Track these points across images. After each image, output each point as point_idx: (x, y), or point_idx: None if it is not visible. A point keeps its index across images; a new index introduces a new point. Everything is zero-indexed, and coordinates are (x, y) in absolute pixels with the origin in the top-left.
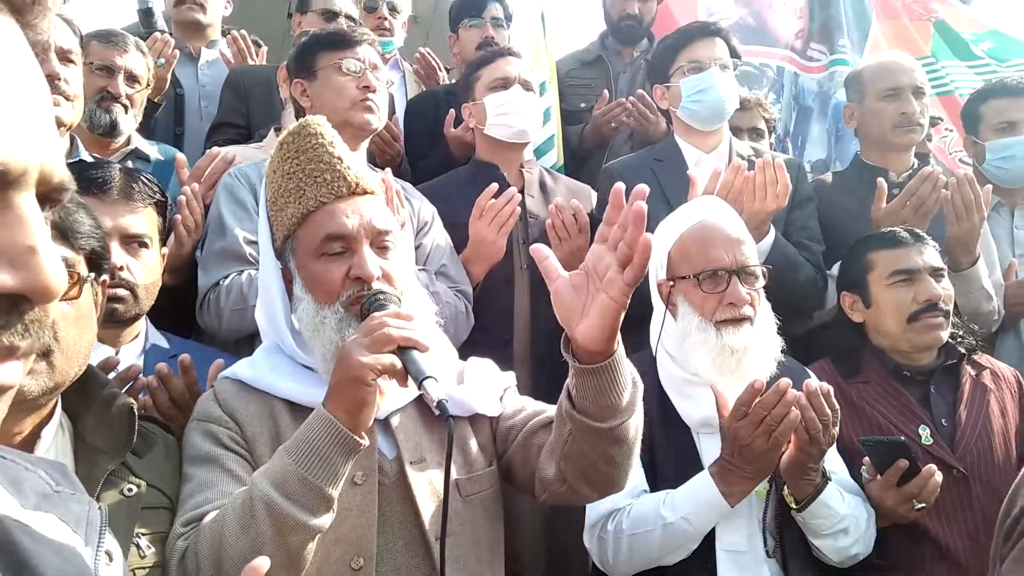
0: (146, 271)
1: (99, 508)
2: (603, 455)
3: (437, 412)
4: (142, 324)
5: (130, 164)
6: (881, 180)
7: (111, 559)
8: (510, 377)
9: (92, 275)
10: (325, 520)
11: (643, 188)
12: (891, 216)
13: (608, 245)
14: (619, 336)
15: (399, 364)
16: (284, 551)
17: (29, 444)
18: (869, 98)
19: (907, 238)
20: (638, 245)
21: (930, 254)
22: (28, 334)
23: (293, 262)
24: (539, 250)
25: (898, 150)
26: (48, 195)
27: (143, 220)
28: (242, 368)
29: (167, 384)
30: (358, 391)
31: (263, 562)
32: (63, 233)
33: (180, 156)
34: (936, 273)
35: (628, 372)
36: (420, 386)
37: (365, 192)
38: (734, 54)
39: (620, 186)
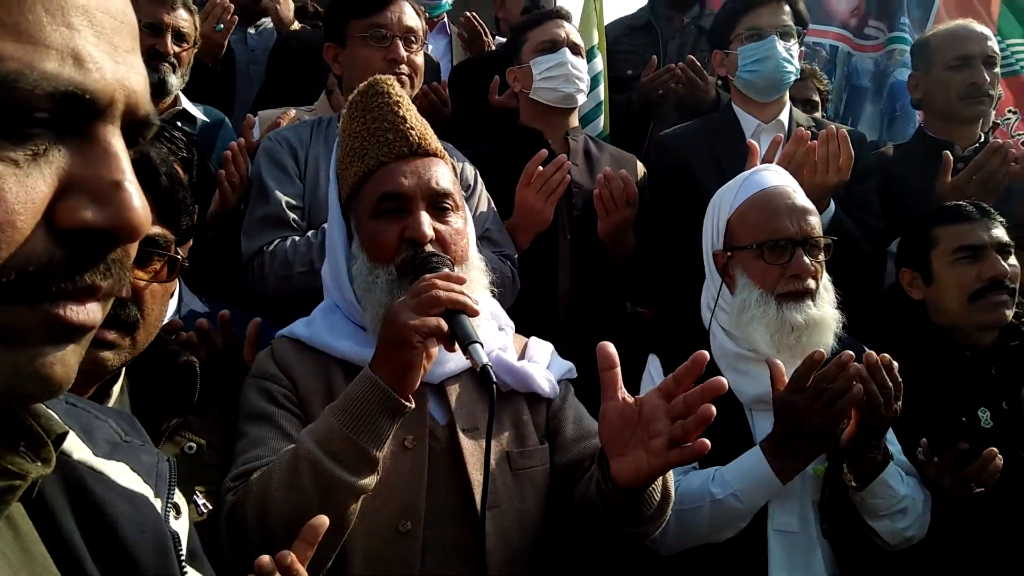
0: None
1: (168, 460)
2: (627, 540)
3: (481, 376)
4: (175, 283)
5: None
6: (947, 152)
7: (179, 513)
8: (570, 368)
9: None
10: (369, 481)
11: (720, 383)
12: (957, 190)
13: (667, 411)
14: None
15: (445, 327)
16: (328, 510)
17: (96, 401)
18: (936, 67)
19: (973, 213)
20: (696, 446)
21: (997, 230)
22: (110, 274)
23: (354, 221)
24: (608, 356)
25: (964, 122)
26: (133, 129)
27: None
28: (299, 327)
29: (208, 340)
30: (404, 353)
31: (322, 520)
32: (166, 211)
33: (250, 117)
34: (1003, 250)
35: (658, 488)
36: (466, 350)
37: (428, 153)
38: (800, 20)
39: (703, 356)
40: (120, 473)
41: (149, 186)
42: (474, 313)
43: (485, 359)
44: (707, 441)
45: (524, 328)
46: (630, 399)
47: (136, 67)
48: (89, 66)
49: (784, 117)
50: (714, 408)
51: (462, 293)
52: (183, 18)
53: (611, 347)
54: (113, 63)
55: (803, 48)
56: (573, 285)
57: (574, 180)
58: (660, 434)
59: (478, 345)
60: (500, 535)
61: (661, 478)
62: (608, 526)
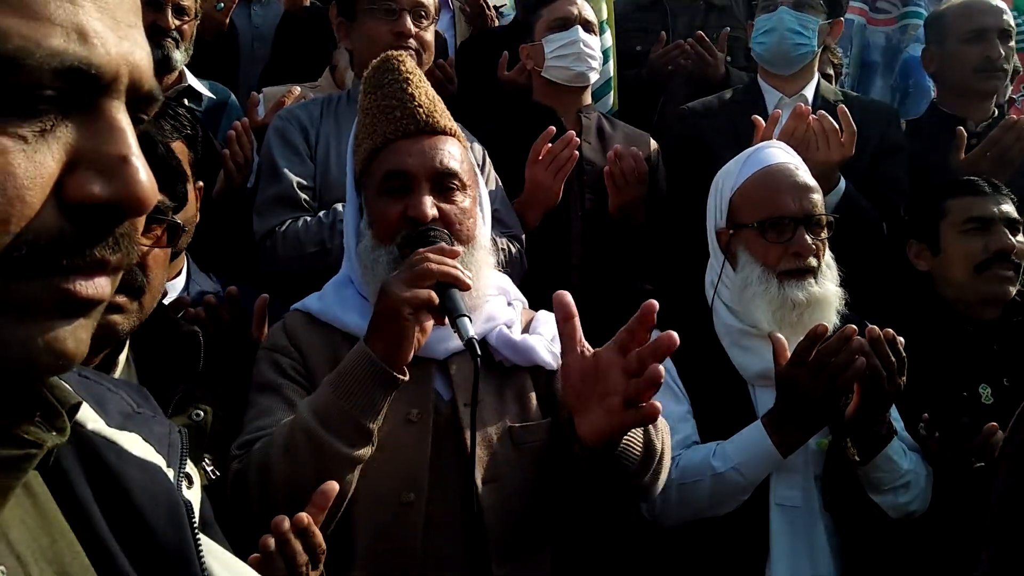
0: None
1: (179, 431)
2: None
3: (468, 348)
4: (183, 261)
5: (186, 102)
6: (960, 128)
7: (191, 483)
8: None
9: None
10: (364, 452)
11: (672, 338)
12: (971, 166)
13: (622, 366)
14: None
15: (436, 299)
16: (324, 478)
17: (103, 371)
18: (950, 40)
19: (984, 186)
20: (648, 411)
21: (1007, 205)
22: (118, 248)
23: (364, 198)
24: (564, 305)
25: (978, 97)
26: (136, 104)
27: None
28: (311, 301)
29: (216, 315)
30: (395, 325)
31: (332, 486)
32: (163, 178)
33: (254, 95)
34: (1012, 225)
35: (638, 443)
36: (453, 323)
37: (436, 132)
38: None
39: (652, 305)
40: (133, 443)
41: (147, 154)
42: (466, 287)
43: (471, 332)
44: (658, 404)
45: (537, 303)
46: (589, 351)
47: (139, 42)
48: (94, 41)
49: (809, 91)
50: (663, 369)
51: (454, 267)
52: None
53: (568, 296)
54: (117, 38)
55: (840, 19)
56: (584, 262)
57: (586, 157)
58: (615, 392)
59: (465, 319)
60: (500, 509)
61: (641, 433)
62: (597, 482)
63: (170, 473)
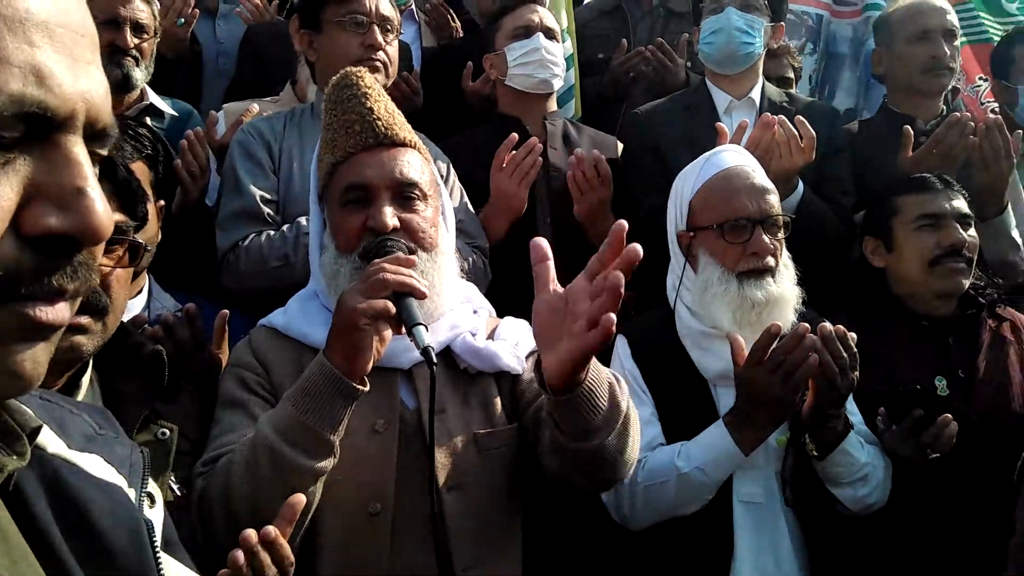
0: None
1: (141, 451)
2: (589, 464)
3: (423, 357)
4: (145, 280)
5: (148, 121)
6: (907, 127)
7: (153, 502)
8: None
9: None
10: (326, 464)
11: (636, 249)
12: (918, 164)
13: (590, 292)
14: (590, 364)
15: (392, 309)
16: (286, 492)
17: (67, 395)
18: (898, 42)
19: (936, 184)
20: (602, 322)
21: (958, 201)
22: (76, 276)
23: (326, 211)
24: (539, 248)
25: (927, 95)
26: (93, 138)
27: None
28: (276, 316)
29: (173, 333)
30: (352, 336)
31: (299, 498)
32: (124, 199)
33: (213, 113)
34: (963, 220)
35: (603, 390)
36: (409, 332)
37: (396, 143)
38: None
39: (622, 225)
40: (94, 465)
41: (107, 176)
42: (422, 296)
43: (427, 341)
44: (613, 317)
45: (506, 311)
46: (560, 290)
47: (96, 78)
48: (50, 82)
49: (756, 94)
50: (620, 275)
51: (410, 276)
52: (140, 9)
53: (543, 241)
54: (73, 76)
55: (782, 23)
56: (555, 267)
57: (553, 164)
58: (582, 316)
59: (421, 327)
60: (466, 516)
61: (608, 387)
62: (561, 445)
63: (132, 493)
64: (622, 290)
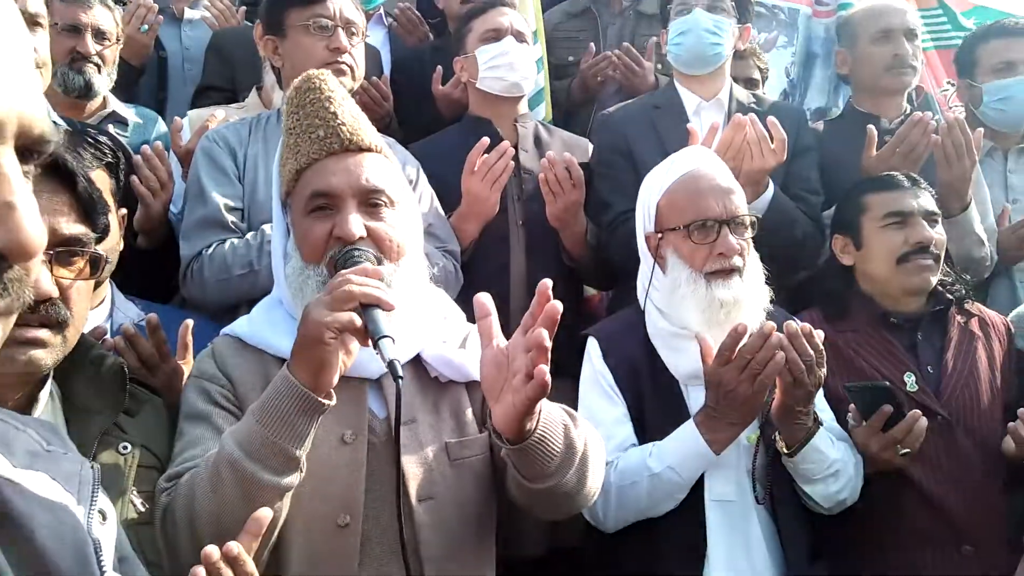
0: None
1: (92, 467)
2: (548, 501)
3: (388, 371)
4: (107, 290)
5: (111, 128)
6: (871, 127)
7: (104, 518)
8: None
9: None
10: (291, 479)
11: (555, 307)
12: (882, 163)
13: (524, 345)
14: (539, 414)
15: (359, 322)
16: (251, 509)
17: (25, 409)
18: (861, 42)
19: (903, 181)
20: (535, 376)
21: (925, 199)
22: (7, 293)
23: (290, 218)
24: (483, 304)
25: (890, 94)
26: (28, 148)
27: None
28: (240, 325)
29: (135, 345)
30: (317, 350)
31: (265, 513)
32: (85, 211)
33: (178, 120)
34: (930, 217)
35: (557, 434)
36: (375, 345)
37: (361, 149)
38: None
39: (545, 284)
40: (39, 483)
41: (67, 187)
42: (389, 307)
43: (392, 355)
44: (544, 369)
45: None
46: (503, 344)
47: (27, 87)
48: None
49: (724, 95)
50: (544, 332)
51: (377, 287)
52: (102, 15)
53: (486, 296)
54: (2, 85)
55: (748, 25)
56: (527, 271)
57: (524, 167)
58: (519, 371)
59: (388, 340)
60: (437, 527)
61: (562, 430)
62: (520, 485)
63: (80, 511)
64: (548, 345)
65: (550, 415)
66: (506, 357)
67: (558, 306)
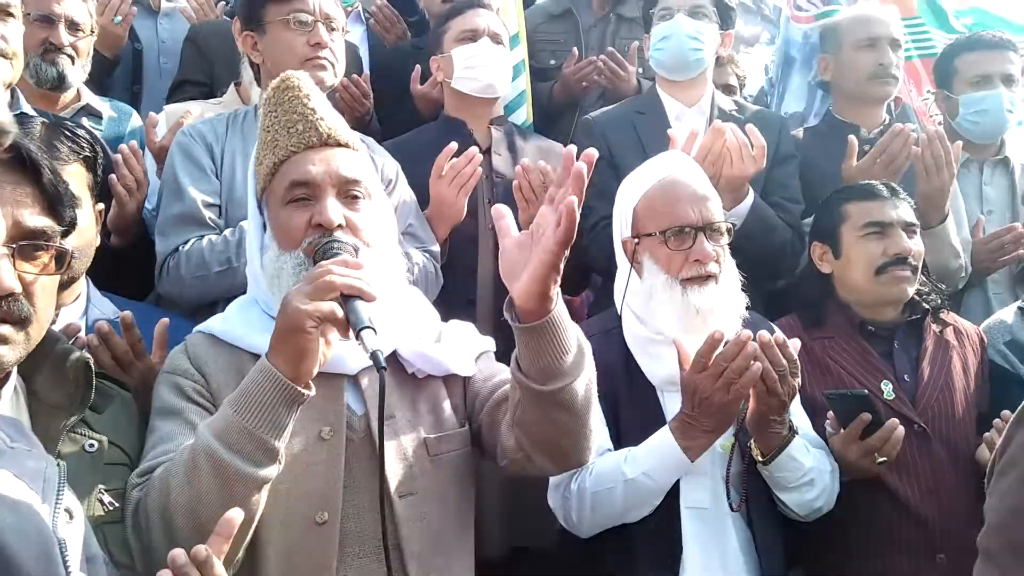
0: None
1: (57, 464)
2: (553, 423)
3: (371, 362)
4: (82, 286)
5: (85, 121)
6: (852, 136)
7: (71, 516)
8: (489, 342)
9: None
10: (270, 471)
11: (592, 152)
12: (862, 173)
13: (553, 206)
14: (558, 298)
15: (340, 312)
16: (229, 502)
17: None
18: (846, 49)
19: (883, 191)
20: (564, 207)
21: (904, 209)
22: None
23: (267, 212)
24: (498, 209)
25: (873, 103)
26: None
27: (68, 179)
28: (215, 322)
29: (109, 343)
30: (297, 340)
31: (236, 514)
32: (52, 202)
33: (153, 115)
34: (908, 228)
35: (571, 334)
36: (357, 336)
37: (339, 144)
38: (722, 6)
39: (571, 149)
40: (2, 481)
41: (32, 179)
42: (371, 298)
43: (375, 345)
44: (575, 200)
45: (447, 316)
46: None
47: None
48: None
49: (706, 102)
50: (574, 199)
51: (358, 279)
52: (75, 5)
53: (505, 208)
54: None
55: (730, 31)
56: (496, 274)
57: (496, 170)
58: (548, 235)
59: (370, 331)
60: (417, 522)
61: (576, 336)
62: (529, 394)
63: (46, 509)
64: (576, 211)
65: (566, 315)
66: (529, 236)
67: (593, 153)
